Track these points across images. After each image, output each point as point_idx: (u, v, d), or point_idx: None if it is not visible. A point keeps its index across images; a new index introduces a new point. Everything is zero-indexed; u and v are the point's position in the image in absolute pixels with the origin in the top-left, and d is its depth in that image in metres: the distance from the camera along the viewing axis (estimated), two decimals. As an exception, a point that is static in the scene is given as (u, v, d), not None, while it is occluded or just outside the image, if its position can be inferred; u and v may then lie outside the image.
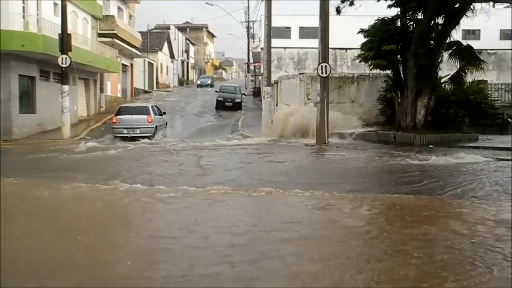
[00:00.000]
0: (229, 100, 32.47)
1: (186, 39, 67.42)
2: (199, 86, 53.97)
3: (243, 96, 36.23)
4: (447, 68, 18.35)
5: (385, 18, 17.81)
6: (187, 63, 68.48)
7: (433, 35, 16.90)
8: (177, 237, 5.62)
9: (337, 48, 30.69)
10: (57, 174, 10.29)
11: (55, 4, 22.85)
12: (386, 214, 6.85)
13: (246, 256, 4.89)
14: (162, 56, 51.68)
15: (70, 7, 22.93)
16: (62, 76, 20.12)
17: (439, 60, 17.16)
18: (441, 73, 17.93)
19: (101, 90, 31.13)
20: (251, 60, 52.35)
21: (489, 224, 6.04)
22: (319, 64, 16.82)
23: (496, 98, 20.52)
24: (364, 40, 18.29)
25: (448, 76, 18.04)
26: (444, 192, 8.00)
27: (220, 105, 32.12)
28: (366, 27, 18.32)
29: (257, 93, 40.25)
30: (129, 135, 19.26)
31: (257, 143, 17.35)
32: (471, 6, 16.59)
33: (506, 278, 4.28)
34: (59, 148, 15.61)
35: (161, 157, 13.55)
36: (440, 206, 7.23)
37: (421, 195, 7.83)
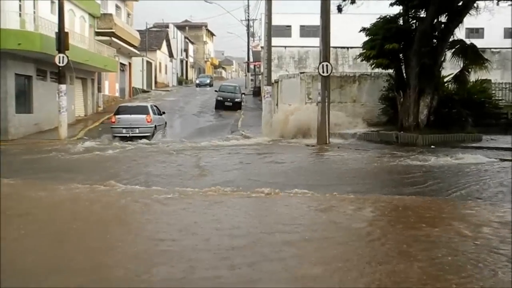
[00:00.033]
0: (228, 99, 32.47)
1: (185, 37, 67.42)
2: (198, 85, 53.94)
3: (243, 95, 36.21)
4: (450, 67, 18.33)
5: (387, 17, 17.79)
6: (186, 62, 68.48)
7: (436, 33, 16.89)
8: (176, 239, 5.61)
9: (339, 47, 30.69)
10: (54, 175, 10.28)
11: (52, 2, 22.85)
12: (389, 216, 6.83)
13: (246, 258, 4.87)
14: (160, 55, 51.69)
15: (67, 5, 22.94)
16: (59, 75, 20.11)
17: (442, 59, 17.15)
18: (444, 72, 17.92)
19: (99, 90, 31.12)
20: (251, 59, 52.35)
21: (493, 225, 6.03)
22: (320, 63, 16.82)
23: (500, 98, 20.50)
24: (366, 38, 18.28)
25: (451, 75, 18.02)
26: (448, 194, 7.99)
27: (220, 105, 32.12)
28: (368, 25, 18.30)
29: (257, 92, 40.24)
30: (128, 135, 19.31)
31: (257, 144, 17.34)
32: (475, 4, 16.57)
33: (510, 281, 4.27)
34: (56, 149, 15.59)
35: (159, 157, 13.55)
36: (444, 207, 7.22)
37: (425, 197, 7.82)
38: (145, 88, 43.94)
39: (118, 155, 14.11)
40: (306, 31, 44.46)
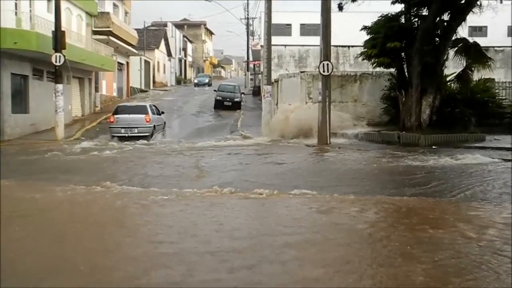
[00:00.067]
0: (228, 99, 32.47)
1: (184, 36, 67.44)
2: (196, 85, 53.89)
3: (243, 95, 36.22)
4: (453, 66, 18.32)
5: (389, 15, 17.77)
6: (185, 61, 68.50)
7: (439, 32, 16.87)
8: (175, 241, 5.60)
9: (339, 46, 30.69)
10: (50, 176, 10.28)
11: (49, 1, 22.85)
12: (391, 217, 6.83)
13: (246, 261, 4.87)
14: (159, 54, 51.69)
15: (64, 4, 22.91)
16: (56, 75, 20.10)
17: (445, 58, 17.12)
18: (446, 71, 17.90)
19: (96, 89, 31.12)
20: (251, 58, 52.36)
21: (497, 227, 6.02)
22: (320, 62, 16.81)
23: (504, 97, 20.46)
24: (367, 37, 18.26)
25: (454, 74, 18.00)
26: (452, 195, 7.97)
27: (219, 105, 32.13)
28: (369, 24, 18.29)
29: (256, 92, 40.25)
30: (126, 135, 19.37)
31: (257, 144, 17.34)
32: (478, 2, 16.55)
33: (510, 282, 4.27)
34: (53, 149, 15.57)
35: (157, 158, 13.54)
36: (448, 208, 7.22)
37: (428, 198, 7.81)
38: (143, 87, 43.96)
39: (115, 156, 14.10)
40: (306, 29, 44.47)
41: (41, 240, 5.74)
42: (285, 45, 34.02)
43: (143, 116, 19.99)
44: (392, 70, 18.40)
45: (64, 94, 20.50)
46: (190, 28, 75.19)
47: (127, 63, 39.07)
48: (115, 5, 35.35)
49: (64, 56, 19.60)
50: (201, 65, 79.31)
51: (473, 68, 17.55)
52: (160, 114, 22.13)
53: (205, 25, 78.75)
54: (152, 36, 50.19)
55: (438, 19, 16.66)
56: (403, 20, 17.65)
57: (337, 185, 8.98)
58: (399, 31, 17.15)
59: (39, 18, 21.48)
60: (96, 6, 30.10)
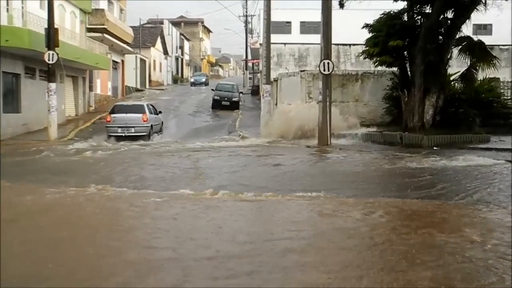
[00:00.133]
0: (226, 99, 32.46)
1: (181, 34, 67.42)
2: (193, 84, 53.78)
3: (241, 94, 36.23)
4: (456, 65, 18.33)
5: (391, 12, 17.78)
6: (182, 59, 68.48)
7: (442, 30, 16.88)
8: (170, 246, 5.58)
9: (340, 44, 30.71)
10: (43, 178, 10.25)
11: (41, -3, 22.82)
12: (395, 220, 6.81)
13: (245, 266, 4.85)
14: (155, 53, 51.67)
15: (57, 1, 22.88)
16: (49, 73, 20.06)
17: (449, 57, 17.13)
18: (450, 70, 17.92)
19: (90, 88, 31.08)
20: (250, 57, 52.33)
21: (502, 230, 6.02)
22: (321, 61, 16.80)
23: (509, 97, 20.49)
24: (369, 35, 18.26)
25: (458, 74, 18.01)
26: (457, 198, 7.95)
27: (217, 104, 32.13)
28: (371, 21, 18.29)
29: (255, 91, 40.27)
30: (123, 134, 19.40)
31: (256, 145, 17.32)
32: (483, 0, 16.58)
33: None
34: (46, 150, 15.55)
35: (152, 159, 13.52)
36: (452, 211, 7.21)
37: (432, 200, 7.79)
38: (138, 86, 43.94)
39: (110, 157, 14.07)
40: (306, 27, 44.46)
41: (34, 244, 5.70)
42: (285, 43, 34.03)
43: (140, 115, 20.02)
44: (395, 69, 18.41)
45: (57, 93, 20.45)
46: (187, 26, 75.17)
47: (122, 61, 39.03)
48: (110, 2, 35.31)
49: (57, 54, 19.56)
50: (199, 63, 79.30)
51: (477, 67, 17.56)
52: (157, 114, 22.16)
53: (202, 22, 78.75)
54: (148, 34, 50.16)
55: (441, 16, 16.66)
56: (405, 18, 17.65)
57: (338, 188, 8.97)
58: (402, 29, 17.15)
59: (32, 15, 21.45)
60: (91, 3, 30.07)
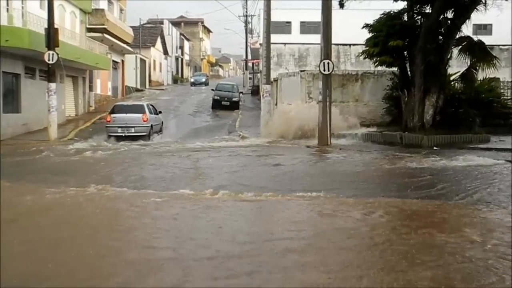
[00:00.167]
0: (226, 99, 32.46)
1: (181, 34, 67.42)
2: (193, 84, 53.70)
3: (241, 94, 36.23)
4: (456, 65, 18.33)
5: (391, 12, 17.78)
6: (182, 59, 68.48)
7: (442, 30, 16.88)
8: (171, 246, 5.58)
9: (340, 44, 30.71)
10: (43, 178, 10.25)
11: (41, -3, 22.82)
12: (395, 220, 6.81)
13: (245, 266, 4.85)
14: (155, 53, 51.67)
15: (57, 0, 22.88)
16: (49, 73, 20.06)
17: (449, 57, 17.13)
18: (450, 70, 17.91)
19: (90, 89, 31.08)
20: (249, 57, 52.34)
21: (503, 230, 6.02)
22: (321, 61, 16.79)
23: (509, 97, 20.49)
24: (369, 35, 18.26)
25: (458, 74, 18.01)
26: (457, 197, 7.95)
27: (217, 104, 32.13)
28: (371, 21, 18.29)
29: (255, 91, 40.27)
30: (123, 134, 19.43)
31: (256, 145, 17.32)
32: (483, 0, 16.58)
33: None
34: (45, 150, 15.55)
35: (152, 159, 13.52)
36: (452, 211, 7.21)
37: (432, 200, 7.79)
38: (138, 86, 43.93)
39: (110, 157, 14.07)
40: (306, 27, 44.46)
41: (33, 244, 5.70)
42: (285, 43, 34.02)
43: (140, 115, 20.05)
44: (395, 69, 18.41)
45: (57, 93, 20.45)
46: (187, 26, 75.16)
47: (122, 61, 39.03)
48: (110, 2, 35.31)
49: (57, 54, 19.56)
50: (199, 63, 79.30)
51: (477, 67, 17.56)
52: (157, 114, 22.18)
53: (202, 22, 78.74)
54: (148, 34, 50.15)
55: (441, 16, 16.66)
56: (405, 18, 17.65)
57: (338, 188, 8.97)
58: (402, 29, 17.16)
59: (32, 15, 21.45)
60: (91, 3, 30.07)
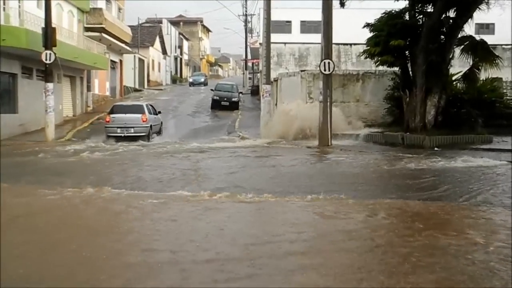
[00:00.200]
0: (225, 99, 32.45)
1: (180, 33, 67.43)
2: (192, 84, 53.48)
3: (241, 95, 36.22)
4: (459, 64, 18.34)
5: (393, 11, 17.79)
6: (181, 59, 68.48)
7: (444, 29, 16.89)
8: (170, 248, 5.56)
9: (341, 44, 30.71)
10: (40, 179, 10.23)
11: (39, -4, 22.81)
12: (398, 222, 6.80)
13: (245, 269, 4.84)
14: (153, 52, 51.67)
15: (54, -1, 22.89)
16: (46, 73, 20.03)
17: (451, 56, 17.15)
18: (452, 70, 17.92)
19: (88, 89, 31.06)
20: (249, 57, 52.35)
21: (506, 232, 6.01)
22: (321, 61, 16.80)
23: (512, 97, 20.51)
24: (370, 35, 18.27)
25: (460, 74, 18.02)
26: (460, 199, 7.94)
27: (216, 105, 32.12)
28: (372, 21, 18.30)
29: (255, 91, 40.26)
30: (123, 135, 19.45)
31: (255, 145, 17.31)
32: (485, -1, 16.59)
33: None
34: (43, 151, 15.53)
35: (150, 160, 13.51)
36: (455, 213, 7.21)
37: (434, 202, 7.78)
38: (137, 87, 43.92)
39: (108, 158, 14.06)
40: (307, 26, 44.45)
41: (31, 246, 5.69)
42: (285, 43, 34.01)
43: (139, 115, 20.07)
44: (396, 69, 18.42)
45: (54, 93, 20.43)
46: (186, 25, 75.17)
47: (121, 61, 39.03)
48: (108, 1, 35.31)
49: (55, 53, 19.53)
50: (198, 63, 79.30)
51: (480, 67, 17.56)
52: (157, 114, 22.20)
53: (201, 22, 78.74)
54: (146, 33, 50.15)
55: (443, 16, 16.67)
56: (407, 17, 17.65)
57: (339, 189, 8.93)
58: (403, 28, 17.16)
59: (29, 14, 21.44)
60: (88, 2, 30.04)
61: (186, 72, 71.90)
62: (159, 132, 22.11)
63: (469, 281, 4.51)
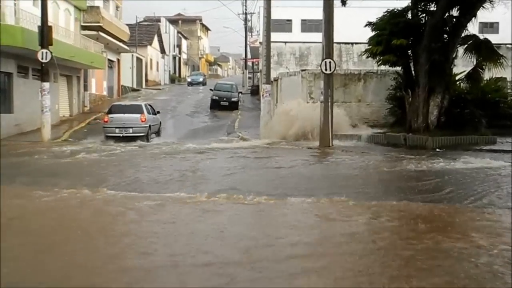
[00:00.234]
0: (224, 99, 32.47)
1: (178, 32, 67.45)
2: (190, 84, 53.36)
3: (240, 94, 36.26)
4: (462, 64, 18.32)
5: (395, 10, 17.78)
6: (179, 58, 68.50)
7: (447, 28, 16.88)
8: (168, 251, 5.54)
9: (342, 43, 30.68)
10: (36, 180, 10.19)
11: (35, -6, 22.80)
12: (401, 225, 6.77)
13: (245, 272, 4.82)
14: (151, 51, 51.67)
15: (51, -3, 22.87)
16: (42, 73, 20.03)
17: (454, 56, 17.13)
18: (455, 70, 17.90)
19: (85, 88, 31.06)
20: (249, 56, 52.36)
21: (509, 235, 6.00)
22: (322, 60, 16.78)
23: (516, 97, 20.47)
24: (372, 34, 18.26)
25: (464, 73, 18.00)
26: (467, 202, 7.91)
27: (215, 105, 32.14)
28: (374, 19, 18.30)
29: (255, 91, 40.28)
30: (121, 135, 19.46)
31: (255, 146, 17.30)
32: (489, -3, 16.58)
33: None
34: (39, 151, 15.52)
35: (148, 162, 13.49)
36: (459, 215, 7.19)
37: (437, 204, 7.75)
38: (135, 86, 43.93)
39: (104, 159, 14.04)
40: (307, 25, 44.51)
41: (26, 248, 5.67)
42: (285, 42, 34.00)
43: (138, 115, 20.08)
44: (398, 68, 18.41)
45: (51, 93, 20.41)
46: (185, 24, 75.21)
47: (118, 60, 39.03)
48: (105, -1, 35.34)
49: (51, 52, 19.52)
50: (197, 62, 79.32)
51: (483, 67, 17.56)
52: (155, 114, 22.21)
53: (200, 20, 78.77)
54: (144, 32, 50.17)
55: (447, 14, 16.66)
56: (409, 16, 17.66)
57: (340, 191, 8.92)
58: (406, 27, 17.15)
59: (25, 12, 21.42)
60: (85, 0, 30.05)
61: (185, 71, 71.92)
62: (158, 132, 22.12)
63: (472, 284, 4.50)
